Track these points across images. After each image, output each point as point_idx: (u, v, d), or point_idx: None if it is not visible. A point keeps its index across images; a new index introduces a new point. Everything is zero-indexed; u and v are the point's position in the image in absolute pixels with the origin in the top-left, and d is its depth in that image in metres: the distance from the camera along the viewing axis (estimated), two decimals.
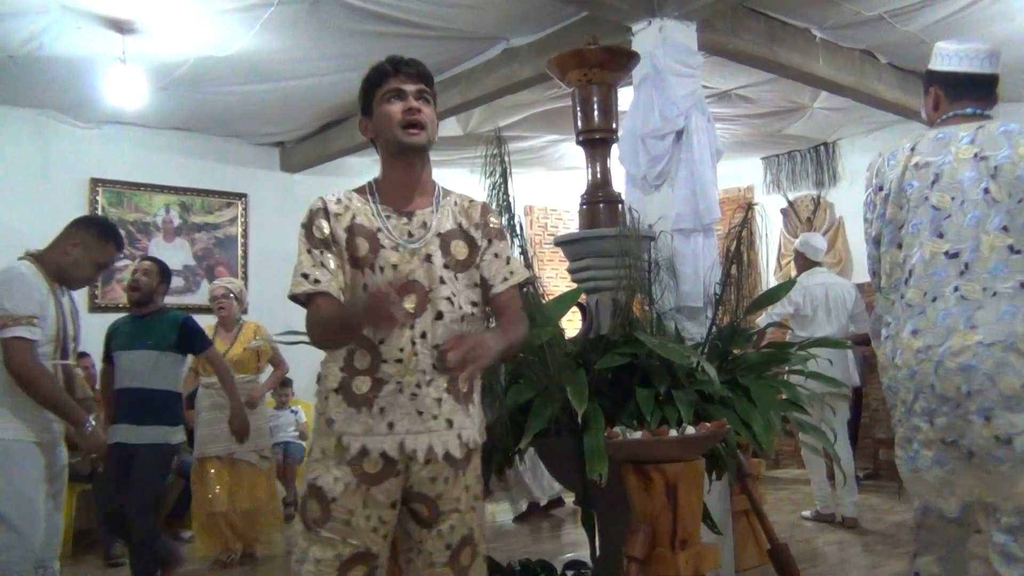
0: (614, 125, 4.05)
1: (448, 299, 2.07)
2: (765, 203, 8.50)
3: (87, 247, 3.18)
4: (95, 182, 6.70)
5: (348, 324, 1.97)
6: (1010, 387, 2.26)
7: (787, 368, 3.75)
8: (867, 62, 5.85)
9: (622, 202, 4.01)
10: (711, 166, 4.32)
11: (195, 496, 5.15)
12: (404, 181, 2.12)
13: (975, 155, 2.43)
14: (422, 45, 5.28)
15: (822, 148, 8.31)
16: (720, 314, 3.86)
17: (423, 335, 2.03)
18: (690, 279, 4.20)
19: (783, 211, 8.56)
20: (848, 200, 8.13)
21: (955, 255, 2.40)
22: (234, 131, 7.21)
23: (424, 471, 2.02)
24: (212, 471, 5.05)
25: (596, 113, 3.93)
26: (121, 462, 4.03)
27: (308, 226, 2.07)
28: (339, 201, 2.09)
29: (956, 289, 2.37)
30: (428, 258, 2.07)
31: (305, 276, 2.02)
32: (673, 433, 2.85)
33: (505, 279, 2.18)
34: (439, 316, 2.05)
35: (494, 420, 3.05)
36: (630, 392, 3.24)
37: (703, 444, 2.92)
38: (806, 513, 5.82)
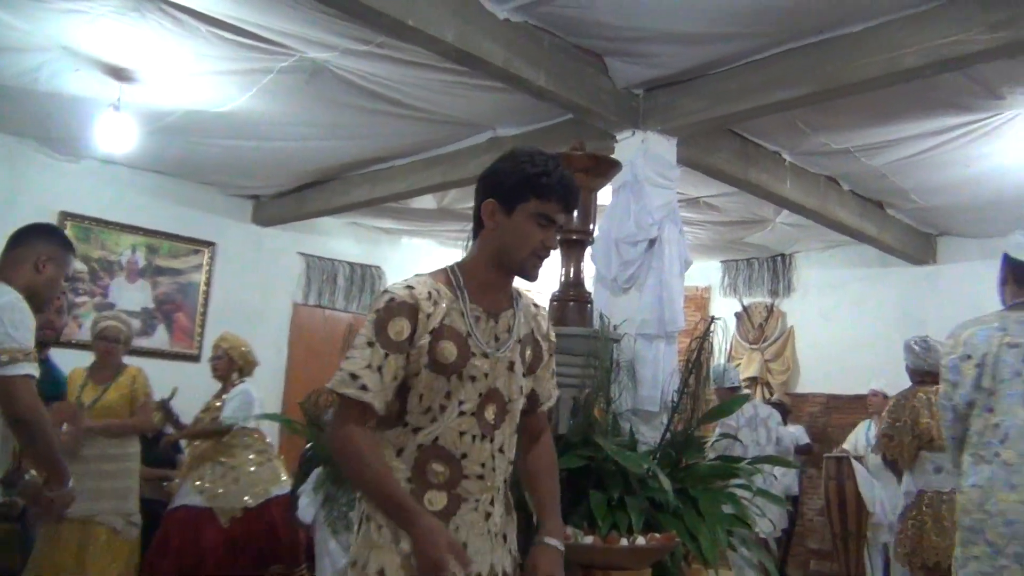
0: (591, 227, 4.21)
1: (519, 411, 1.96)
2: (721, 305, 8.78)
3: (58, 262, 2.77)
4: (64, 215, 6.65)
5: (399, 518, 1.76)
6: None
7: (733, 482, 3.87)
8: (831, 188, 6.16)
9: (592, 303, 4.14)
10: (679, 276, 4.50)
11: (35, 561, 4.21)
12: (497, 285, 1.94)
13: None
14: (411, 124, 5.45)
15: (779, 259, 8.60)
16: (675, 421, 3.98)
17: (501, 449, 1.91)
18: (649, 383, 4.33)
19: (737, 315, 8.81)
20: (800, 311, 8.42)
21: None
22: (209, 179, 7.23)
23: None
24: (63, 536, 4.21)
25: (575, 216, 4.08)
26: None
27: (384, 319, 1.79)
28: (429, 296, 1.83)
29: None
30: (511, 366, 1.92)
31: (354, 377, 1.77)
32: (624, 542, 2.93)
33: (550, 397, 2.11)
34: (517, 430, 1.96)
35: None
36: (584, 493, 3.32)
37: (652, 555, 3.00)
38: None
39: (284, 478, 4.98)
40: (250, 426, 4.94)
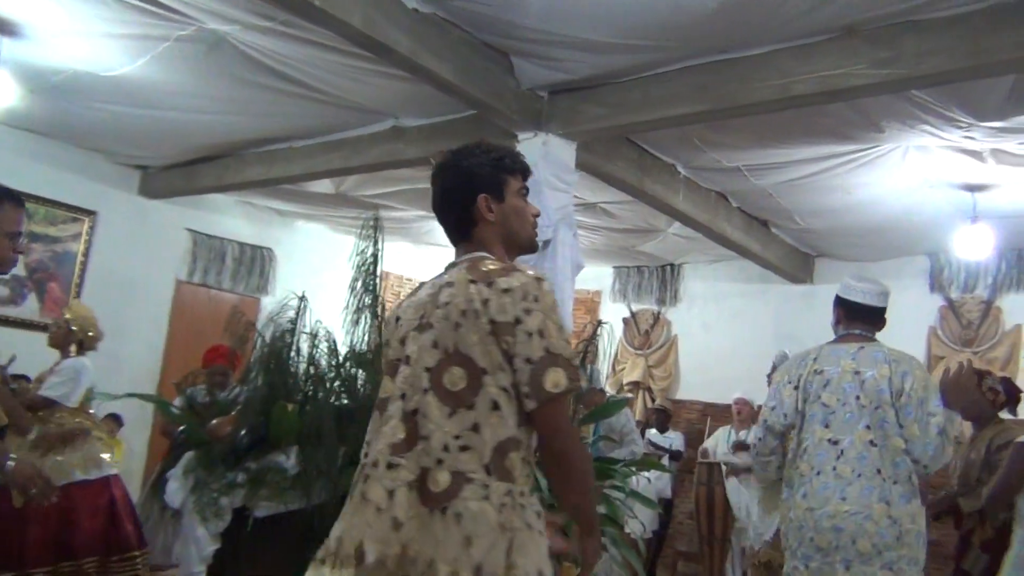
0: None
1: None
2: (610, 310, 8.96)
3: None
4: None
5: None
6: (864, 547, 2.97)
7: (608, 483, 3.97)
8: (720, 203, 6.38)
9: None
10: (570, 279, 4.58)
11: None
12: None
13: (854, 370, 3.14)
14: (312, 106, 5.35)
15: (668, 268, 8.86)
16: None
17: None
18: None
19: (625, 320, 9.01)
20: (685, 320, 8.69)
21: (835, 443, 3.11)
22: (94, 145, 6.91)
23: None
24: None
25: None
26: None
27: (553, 303, 1.79)
28: None
29: (834, 469, 3.08)
30: None
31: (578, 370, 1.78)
32: None
33: None
34: None
35: None
36: None
37: None
38: None
39: (106, 461, 4.71)
40: (70, 405, 4.64)
